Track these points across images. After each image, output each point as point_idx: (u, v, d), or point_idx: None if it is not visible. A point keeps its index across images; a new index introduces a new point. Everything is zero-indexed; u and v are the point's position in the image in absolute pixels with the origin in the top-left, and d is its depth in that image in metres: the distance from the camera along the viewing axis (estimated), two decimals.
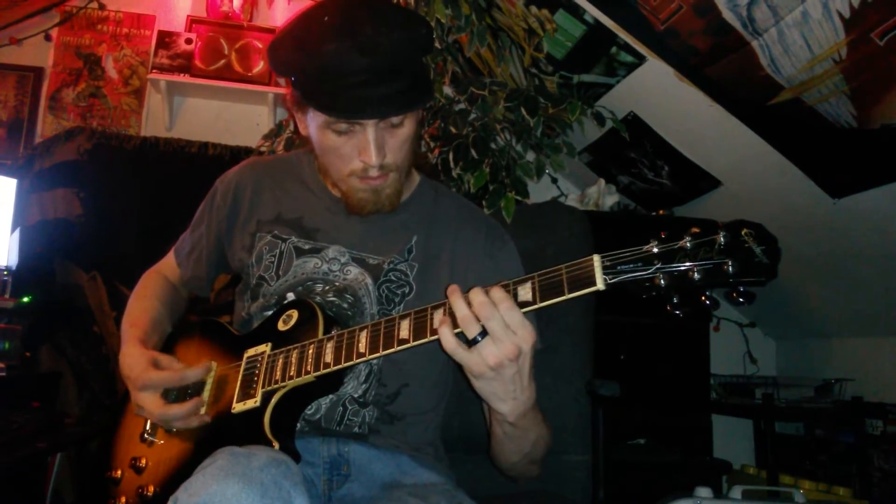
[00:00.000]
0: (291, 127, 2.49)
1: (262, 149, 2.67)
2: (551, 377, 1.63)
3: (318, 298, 1.30)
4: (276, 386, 1.16)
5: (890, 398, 2.68)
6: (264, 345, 1.24)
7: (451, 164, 2.13)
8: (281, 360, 1.18)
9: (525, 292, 0.98)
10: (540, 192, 3.01)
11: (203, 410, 1.23)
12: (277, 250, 1.36)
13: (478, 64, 3.00)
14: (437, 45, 2.27)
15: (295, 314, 1.25)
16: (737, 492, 2.16)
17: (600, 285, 0.92)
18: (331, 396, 1.26)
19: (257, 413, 1.15)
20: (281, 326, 1.25)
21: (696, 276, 0.88)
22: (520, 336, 0.97)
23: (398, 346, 1.05)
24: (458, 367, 1.03)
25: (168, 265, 1.57)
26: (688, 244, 0.89)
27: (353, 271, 1.33)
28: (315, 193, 1.43)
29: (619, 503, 2.26)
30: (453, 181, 2.17)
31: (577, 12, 2.33)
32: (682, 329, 2.89)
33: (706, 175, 2.73)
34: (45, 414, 2.13)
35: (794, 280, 2.83)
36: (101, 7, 3.33)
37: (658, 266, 0.90)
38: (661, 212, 3.13)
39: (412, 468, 1.29)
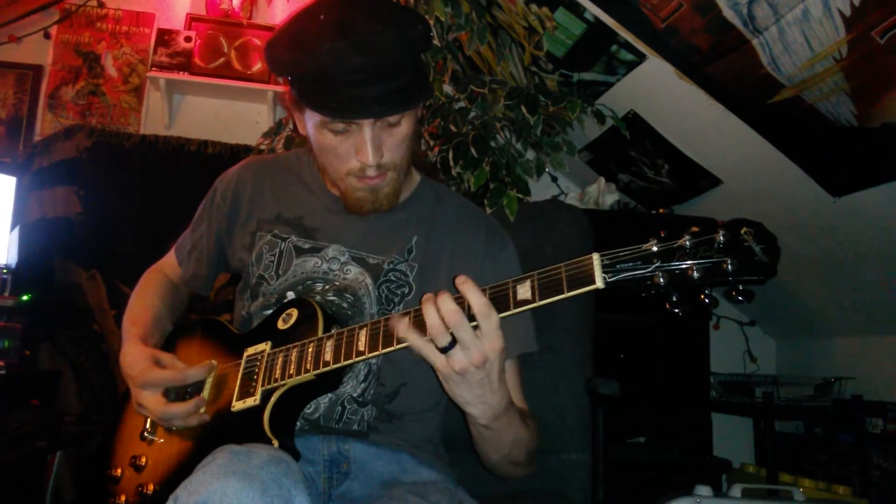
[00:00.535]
0: (291, 125, 2.49)
1: (262, 147, 2.67)
2: (551, 376, 1.63)
3: (317, 297, 1.30)
4: (275, 384, 1.16)
5: (890, 397, 2.68)
6: (264, 343, 1.24)
7: (451, 163, 2.13)
8: (280, 359, 1.18)
9: (524, 291, 0.98)
10: (540, 190, 3.01)
11: (203, 409, 1.23)
12: (277, 249, 1.36)
13: (478, 62, 3.00)
14: (436, 43, 2.27)
15: (295, 313, 1.25)
16: (736, 490, 2.16)
17: (599, 284, 0.92)
18: (329, 396, 1.26)
19: (257, 411, 1.15)
20: (281, 325, 1.25)
21: (696, 274, 0.88)
22: (486, 344, 0.97)
23: (397, 344, 1.05)
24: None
25: (169, 264, 1.57)
26: (687, 242, 0.89)
27: (353, 271, 1.33)
28: (315, 193, 1.43)
29: (619, 502, 2.26)
30: (453, 180, 2.17)
31: (577, 10, 2.33)
32: (682, 328, 2.90)
33: (706, 173, 2.73)
34: (44, 412, 2.13)
35: (794, 278, 2.83)
36: (101, 5, 3.32)
37: (657, 264, 0.90)
38: (661, 210, 3.13)
39: (412, 466, 1.29)
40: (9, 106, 3.23)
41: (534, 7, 2.46)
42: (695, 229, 0.90)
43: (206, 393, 1.25)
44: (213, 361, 1.30)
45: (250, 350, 1.25)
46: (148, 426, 1.30)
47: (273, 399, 1.15)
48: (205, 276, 1.52)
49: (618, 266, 0.92)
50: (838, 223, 2.45)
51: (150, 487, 1.21)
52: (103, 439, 1.38)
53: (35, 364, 2.67)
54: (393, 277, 1.33)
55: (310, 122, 1.27)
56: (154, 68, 3.18)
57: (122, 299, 2.75)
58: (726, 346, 3.37)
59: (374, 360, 1.29)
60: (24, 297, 2.43)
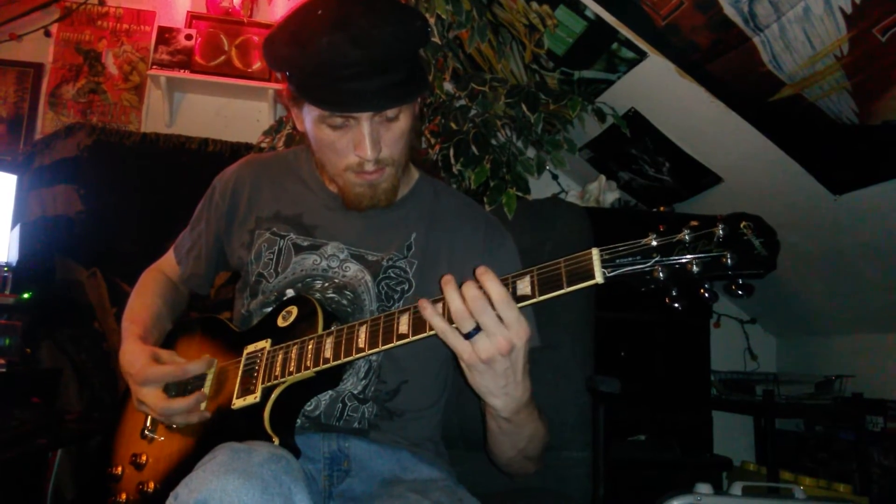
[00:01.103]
0: (291, 123, 2.49)
1: (263, 145, 2.67)
2: (552, 374, 1.63)
3: (317, 295, 1.30)
4: (275, 382, 1.16)
5: (890, 395, 2.68)
6: (264, 341, 1.24)
7: (452, 161, 2.13)
8: (280, 356, 1.18)
9: (524, 286, 0.97)
10: (540, 188, 3.01)
11: (203, 406, 1.23)
12: (276, 247, 1.36)
13: (478, 60, 3.00)
14: (437, 41, 2.27)
15: (294, 310, 1.25)
16: (737, 488, 2.16)
17: (599, 279, 0.91)
18: (330, 393, 1.26)
19: (257, 409, 1.15)
20: (280, 323, 1.25)
21: (695, 268, 0.88)
22: (513, 332, 0.96)
23: (397, 340, 1.05)
24: (454, 358, 1.02)
25: (168, 263, 1.57)
26: (686, 237, 0.89)
27: (353, 268, 1.33)
28: (313, 190, 1.43)
29: (620, 500, 2.26)
30: (454, 177, 2.17)
31: (577, 8, 2.33)
32: (683, 325, 2.90)
33: (707, 171, 2.72)
34: (45, 410, 2.13)
35: (795, 276, 2.83)
36: (101, 3, 3.32)
37: (657, 259, 0.90)
38: (661, 208, 3.12)
39: (412, 464, 1.29)
40: (9, 104, 3.23)
41: (534, 5, 2.45)
42: (694, 223, 0.89)
43: (206, 390, 1.25)
44: (212, 357, 1.30)
45: (250, 348, 1.25)
46: (148, 424, 1.30)
47: (273, 396, 1.15)
48: (204, 274, 1.52)
49: (617, 261, 0.91)
50: (839, 221, 2.44)
51: (151, 485, 1.22)
52: (104, 437, 1.39)
53: (35, 362, 2.67)
54: (392, 274, 1.33)
55: (308, 118, 1.27)
56: (155, 66, 3.18)
57: (122, 297, 2.75)
58: (727, 344, 3.37)
59: (374, 357, 1.29)
60: (25, 295, 2.44)
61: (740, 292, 0.89)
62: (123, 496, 1.25)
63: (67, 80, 3.29)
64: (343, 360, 1.10)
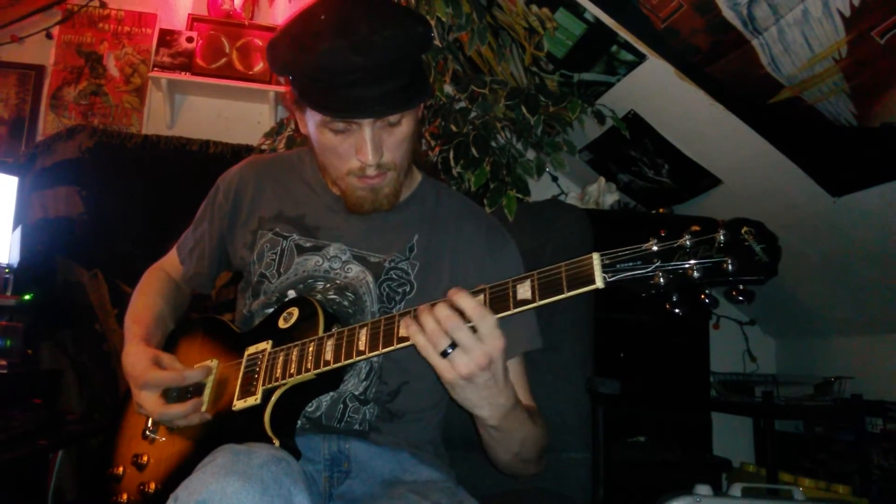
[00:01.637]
0: (292, 125, 2.50)
1: (264, 147, 2.68)
2: (551, 375, 1.63)
3: (318, 296, 1.30)
4: (276, 383, 1.16)
5: (889, 396, 2.68)
6: (265, 342, 1.24)
7: (452, 163, 2.13)
8: (281, 358, 1.18)
9: (524, 290, 0.98)
10: (540, 190, 3.01)
11: (204, 408, 1.24)
12: (279, 248, 1.37)
13: (478, 62, 3.01)
14: (437, 43, 2.27)
15: (296, 312, 1.25)
16: (736, 489, 2.16)
17: (599, 283, 0.92)
18: (331, 394, 1.26)
19: (258, 410, 1.16)
20: (282, 324, 1.25)
21: (696, 274, 0.88)
22: (489, 344, 0.97)
23: (398, 343, 1.06)
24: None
25: (170, 262, 1.58)
26: (687, 242, 0.89)
27: (354, 269, 1.33)
28: (316, 192, 1.43)
29: (619, 501, 2.27)
30: (454, 179, 2.17)
31: (577, 11, 2.34)
32: (683, 327, 2.90)
33: (706, 173, 2.73)
34: (46, 411, 2.13)
35: (794, 278, 2.84)
36: (103, 5, 3.33)
37: (657, 264, 0.90)
38: (661, 210, 3.13)
39: (413, 465, 1.30)
40: (11, 106, 3.24)
41: (534, 7, 2.46)
42: (695, 229, 0.89)
43: (207, 392, 1.26)
44: (211, 363, 1.30)
45: (251, 349, 1.26)
46: (150, 425, 1.31)
47: (274, 398, 1.16)
48: (206, 274, 1.53)
49: (618, 266, 0.92)
50: (838, 223, 2.45)
51: (152, 486, 1.22)
52: (105, 438, 1.39)
53: (37, 363, 2.68)
54: (394, 276, 1.33)
55: (311, 122, 1.27)
56: (156, 68, 3.19)
57: (123, 299, 2.76)
58: (726, 346, 3.37)
59: (376, 359, 1.29)
60: (26, 297, 2.44)
61: (741, 298, 0.89)
62: (125, 496, 1.25)
63: (69, 82, 3.29)
64: (343, 362, 1.11)
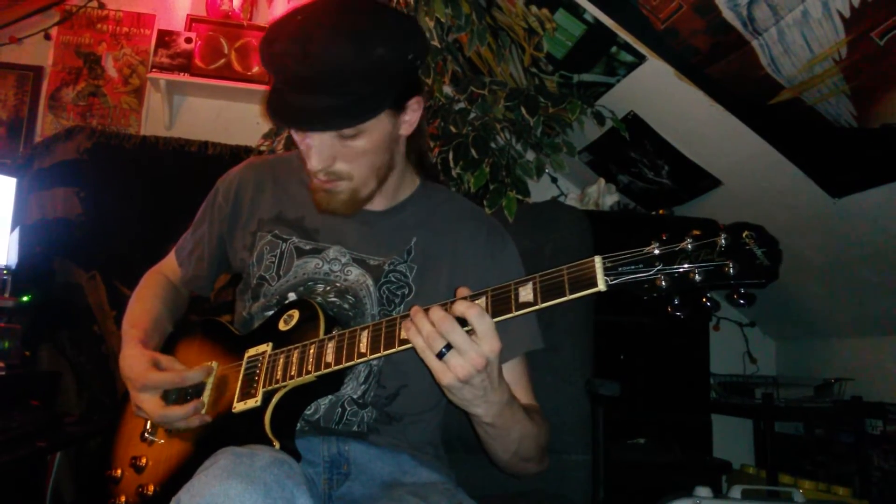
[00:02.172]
0: None
1: (262, 148, 2.67)
2: (551, 376, 1.63)
3: (319, 299, 1.30)
4: (276, 385, 1.16)
5: (889, 398, 2.68)
6: (265, 344, 1.24)
7: (451, 164, 2.13)
8: (282, 360, 1.18)
9: (526, 293, 0.98)
10: (540, 191, 3.00)
11: (203, 411, 1.23)
12: (278, 250, 1.36)
13: (478, 63, 3.00)
14: (437, 44, 2.27)
15: (296, 314, 1.25)
16: (736, 491, 2.16)
17: (601, 286, 0.92)
18: (330, 397, 1.26)
19: (258, 412, 1.15)
20: (282, 326, 1.25)
21: (698, 277, 0.89)
22: (485, 345, 0.98)
23: (399, 346, 1.06)
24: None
25: (169, 265, 1.57)
26: (689, 246, 0.90)
27: (354, 272, 1.33)
28: None
29: (619, 503, 2.26)
30: (453, 180, 2.17)
31: (577, 12, 2.33)
32: (682, 329, 2.90)
33: (706, 175, 2.73)
34: (44, 413, 2.13)
35: (794, 279, 2.84)
36: (101, 6, 3.32)
37: (659, 267, 0.90)
38: (661, 211, 3.13)
39: (412, 467, 1.30)
40: (9, 107, 3.23)
41: (534, 8, 2.46)
42: (696, 233, 0.90)
43: (206, 394, 1.25)
44: (212, 363, 1.30)
45: (251, 351, 1.25)
46: (148, 427, 1.31)
47: (274, 400, 1.15)
48: (206, 276, 1.52)
49: (620, 269, 0.92)
50: (838, 224, 2.45)
51: (151, 488, 1.22)
52: (103, 440, 1.39)
53: (35, 365, 2.67)
54: (393, 278, 1.33)
55: None
56: (154, 69, 3.18)
57: (122, 300, 2.75)
58: (726, 347, 3.37)
59: (375, 362, 1.29)
60: (25, 298, 2.44)
61: (742, 301, 0.90)
62: (123, 498, 1.25)
63: (67, 83, 3.29)
64: (345, 364, 1.11)
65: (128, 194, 2.93)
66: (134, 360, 1.27)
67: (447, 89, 2.48)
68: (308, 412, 1.26)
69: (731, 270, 0.87)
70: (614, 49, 2.37)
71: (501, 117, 2.24)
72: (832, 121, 2.05)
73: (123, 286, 2.78)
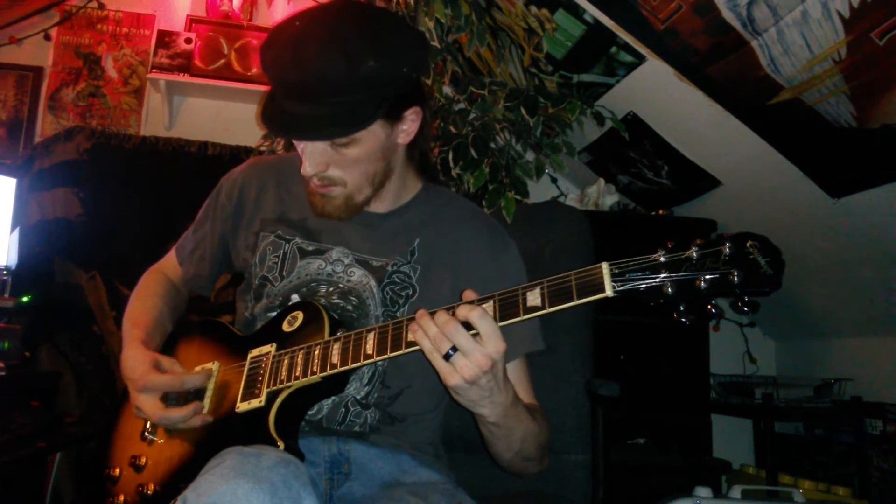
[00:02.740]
0: None
1: (262, 148, 2.67)
2: (551, 377, 1.63)
3: (322, 300, 1.30)
4: (281, 386, 1.16)
5: (889, 398, 2.68)
6: (269, 345, 1.24)
7: (451, 164, 2.13)
8: (286, 361, 1.18)
9: (534, 297, 1.00)
10: (539, 191, 3.01)
11: (205, 411, 1.23)
12: (281, 251, 1.37)
13: (477, 63, 3.01)
14: (436, 44, 2.27)
15: (300, 316, 1.25)
16: (736, 491, 2.16)
17: (609, 292, 0.94)
18: (334, 398, 1.26)
19: (262, 413, 1.15)
20: (286, 328, 1.25)
21: (703, 285, 0.91)
22: (490, 346, 0.99)
23: (406, 348, 1.07)
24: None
25: (169, 264, 1.57)
26: (694, 254, 0.92)
27: (357, 273, 1.33)
28: None
29: (619, 503, 2.26)
30: (453, 181, 2.17)
31: (576, 12, 2.34)
32: (682, 329, 2.89)
33: (706, 175, 2.73)
34: (44, 413, 2.13)
35: (794, 280, 2.84)
36: (101, 7, 3.32)
37: (665, 275, 0.92)
38: (660, 211, 3.13)
39: (412, 467, 1.30)
40: (9, 107, 3.23)
41: (533, 9, 2.46)
42: (701, 241, 0.92)
43: (208, 394, 1.25)
44: (212, 366, 1.30)
45: (255, 352, 1.25)
46: (148, 426, 1.31)
47: (279, 400, 1.16)
48: (207, 276, 1.52)
49: (627, 275, 0.94)
50: (838, 224, 2.45)
51: (151, 487, 1.22)
52: (102, 438, 1.39)
53: (35, 365, 2.67)
54: (397, 279, 1.33)
55: None
56: (154, 70, 3.18)
57: (122, 301, 2.74)
58: (726, 348, 3.37)
59: (380, 363, 1.30)
60: (24, 299, 2.44)
61: (746, 309, 0.92)
62: (122, 498, 1.25)
63: (67, 83, 3.29)
64: (350, 366, 1.11)
65: (128, 194, 2.93)
66: (135, 360, 1.27)
67: (447, 90, 2.48)
68: (311, 412, 1.26)
69: (736, 279, 0.89)
70: (614, 49, 2.37)
71: (501, 117, 2.24)
72: (832, 121, 2.05)
73: (123, 286, 2.78)
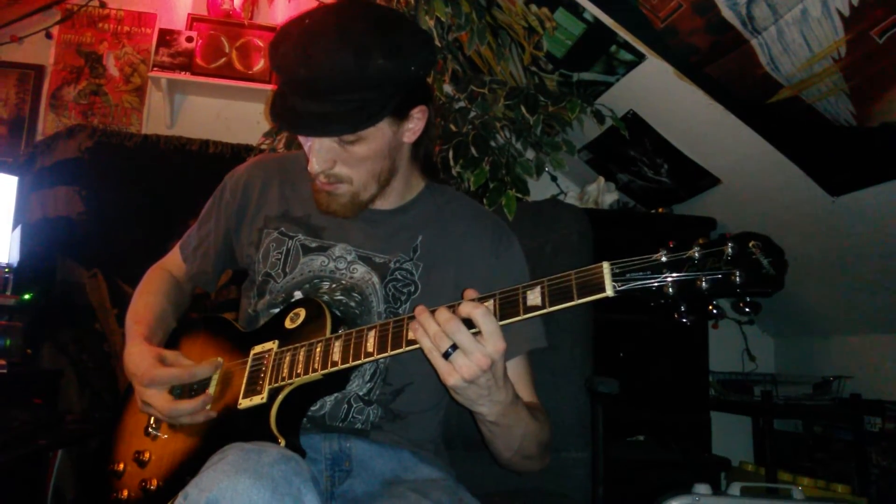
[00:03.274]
0: None
1: (263, 147, 2.68)
2: (551, 374, 1.64)
3: (325, 297, 1.31)
4: (282, 383, 1.17)
5: (888, 395, 2.69)
6: (271, 342, 1.24)
7: (452, 162, 2.14)
8: (288, 358, 1.19)
9: (534, 297, 0.99)
10: (539, 189, 3.01)
11: (209, 406, 1.24)
12: (284, 247, 1.37)
13: (478, 62, 3.01)
14: (437, 43, 2.28)
15: (303, 313, 1.25)
16: (735, 489, 2.16)
17: (609, 292, 0.94)
18: (336, 395, 1.27)
19: (263, 409, 1.16)
20: (288, 324, 1.26)
21: (705, 285, 0.90)
22: (490, 346, 0.99)
23: (406, 346, 1.07)
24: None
25: (173, 261, 1.57)
26: (696, 254, 0.91)
27: (360, 270, 1.34)
28: None
29: (618, 500, 2.27)
30: (453, 179, 2.18)
31: (576, 10, 2.34)
32: (682, 326, 2.88)
33: (705, 173, 2.73)
34: (46, 411, 2.14)
35: (793, 277, 2.82)
36: (103, 5, 3.33)
37: (667, 275, 0.92)
38: (660, 210, 3.13)
39: (413, 464, 1.30)
40: (11, 106, 3.23)
41: (533, 7, 2.46)
42: (703, 241, 0.92)
43: (212, 390, 1.26)
44: (218, 358, 1.30)
45: (257, 348, 1.26)
46: (152, 422, 1.31)
47: (280, 397, 1.16)
48: (211, 271, 1.53)
49: (627, 275, 0.93)
50: (837, 222, 2.45)
51: (154, 483, 1.22)
52: (105, 434, 1.39)
53: (37, 363, 2.68)
54: (399, 276, 1.34)
55: None
56: (156, 68, 3.19)
57: (123, 298, 2.76)
58: (725, 345, 3.37)
59: (382, 361, 1.30)
60: (26, 297, 2.44)
61: (748, 310, 0.91)
62: (125, 493, 1.25)
63: (68, 81, 3.29)
64: (351, 363, 1.11)
65: (129, 193, 2.94)
66: (139, 356, 1.27)
67: (447, 88, 2.49)
68: (314, 408, 1.26)
69: (738, 279, 0.88)
70: (614, 48, 2.38)
71: (501, 116, 2.25)
72: (831, 119, 2.05)
73: (125, 284, 2.79)
